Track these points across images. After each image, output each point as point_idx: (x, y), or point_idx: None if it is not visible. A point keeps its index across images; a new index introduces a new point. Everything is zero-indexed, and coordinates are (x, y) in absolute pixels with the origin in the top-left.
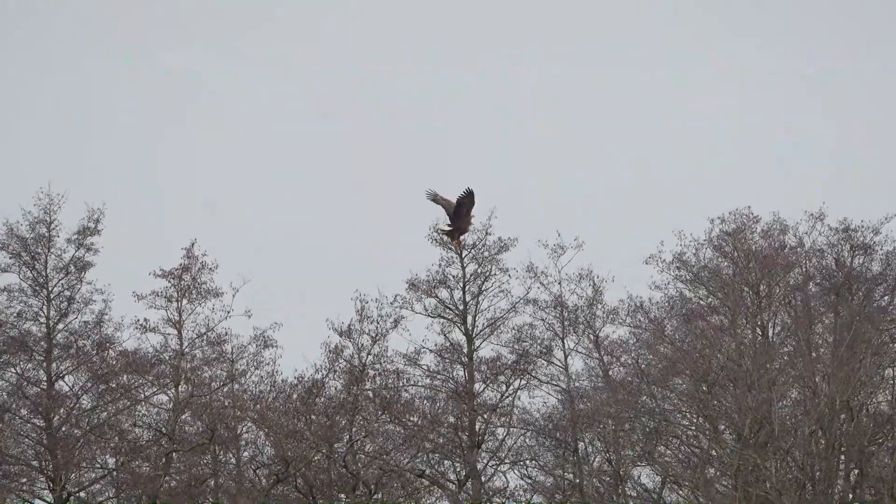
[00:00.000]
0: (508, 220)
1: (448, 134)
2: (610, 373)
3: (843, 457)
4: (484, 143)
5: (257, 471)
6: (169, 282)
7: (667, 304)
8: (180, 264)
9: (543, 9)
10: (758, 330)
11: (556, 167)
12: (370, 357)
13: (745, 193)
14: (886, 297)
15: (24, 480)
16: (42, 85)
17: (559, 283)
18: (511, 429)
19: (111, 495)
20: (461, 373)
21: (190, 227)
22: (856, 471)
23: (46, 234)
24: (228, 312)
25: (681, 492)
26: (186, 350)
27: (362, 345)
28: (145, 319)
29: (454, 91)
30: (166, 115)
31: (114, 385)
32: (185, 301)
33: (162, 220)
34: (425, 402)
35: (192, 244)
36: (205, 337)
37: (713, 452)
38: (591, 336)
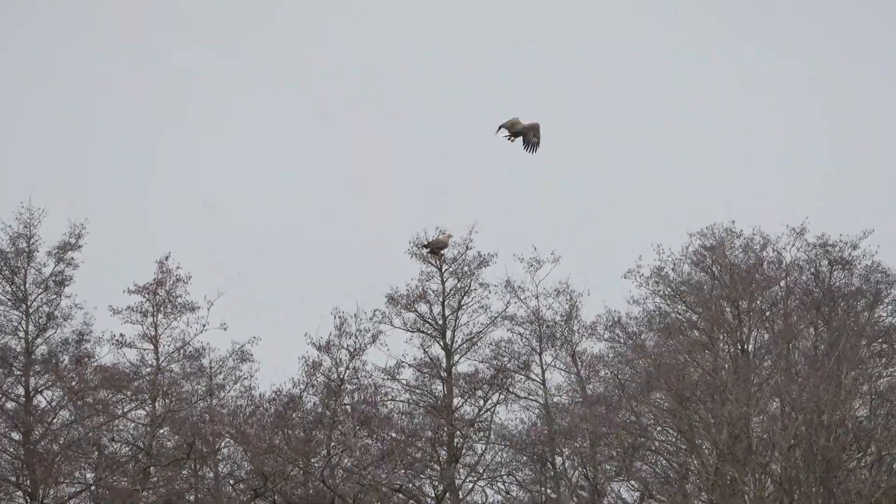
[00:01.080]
0: (509, 220)
1: (448, 134)
2: (588, 387)
3: (821, 471)
4: (484, 143)
5: (235, 485)
6: (143, 297)
7: (645, 319)
8: (154, 278)
9: (543, 9)
10: (737, 345)
11: (556, 167)
12: (348, 372)
13: (746, 193)
14: (866, 313)
15: (2, 495)
16: (42, 85)
17: (536, 298)
18: (489, 444)
19: None
20: (440, 387)
21: (190, 227)
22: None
23: (26, 249)
24: (204, 325)
25: None
26: (164, 364)
27: (340, 359)
28: (121, 335)
29: (454, 91)
30: (166, 115)
31: (90, 400)
32: (160, 315)
33: (162, 221)
34: (403, 416)
35: (167, 257)
36: (181, 351)
37: (691, 467)
38: (569, 350)
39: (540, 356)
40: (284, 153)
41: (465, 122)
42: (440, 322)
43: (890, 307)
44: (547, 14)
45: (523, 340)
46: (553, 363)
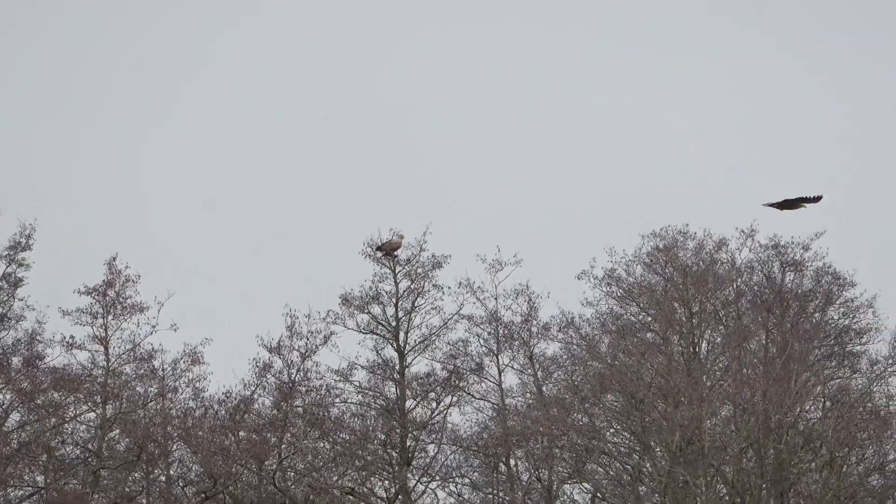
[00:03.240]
0: (510, 219)
1: (448, 134)
2: (543, 389)
3: (772, 474)
4: (484, 143)
5: (185, 488)
6: (93, 298)
7: (598, 321)
8: (103, 280)
9: (543, 9)
10: (690, 347)
11: (556, 168)
12: (299, 373)
13: (746, 194)
14: (818, 314)
15: None
16: (40, 84)
17: (496, 299)
18: (441, 445)
19: None
20: (393, 389)
21: (190, 226)
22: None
23: None
24: (154, 327)
25: None
26: (114, 366)
27: (292, 361)
28: (71, 336)
29: (454, 91)
30: (165, 115)
31: (39, 402)
32: (110, 317)
33: (162, 221)
34: (355, 418)
35: (114, 258)
36: (132, 353)
37: (644, 469)
38: (526, 352)
39: (497, 357)
40: (284, 153)
41: (466, 122)
42: (393, 324)
43: (841, 309)
44: (547, 14)
45: (481, 341)
46: (510, 364)
